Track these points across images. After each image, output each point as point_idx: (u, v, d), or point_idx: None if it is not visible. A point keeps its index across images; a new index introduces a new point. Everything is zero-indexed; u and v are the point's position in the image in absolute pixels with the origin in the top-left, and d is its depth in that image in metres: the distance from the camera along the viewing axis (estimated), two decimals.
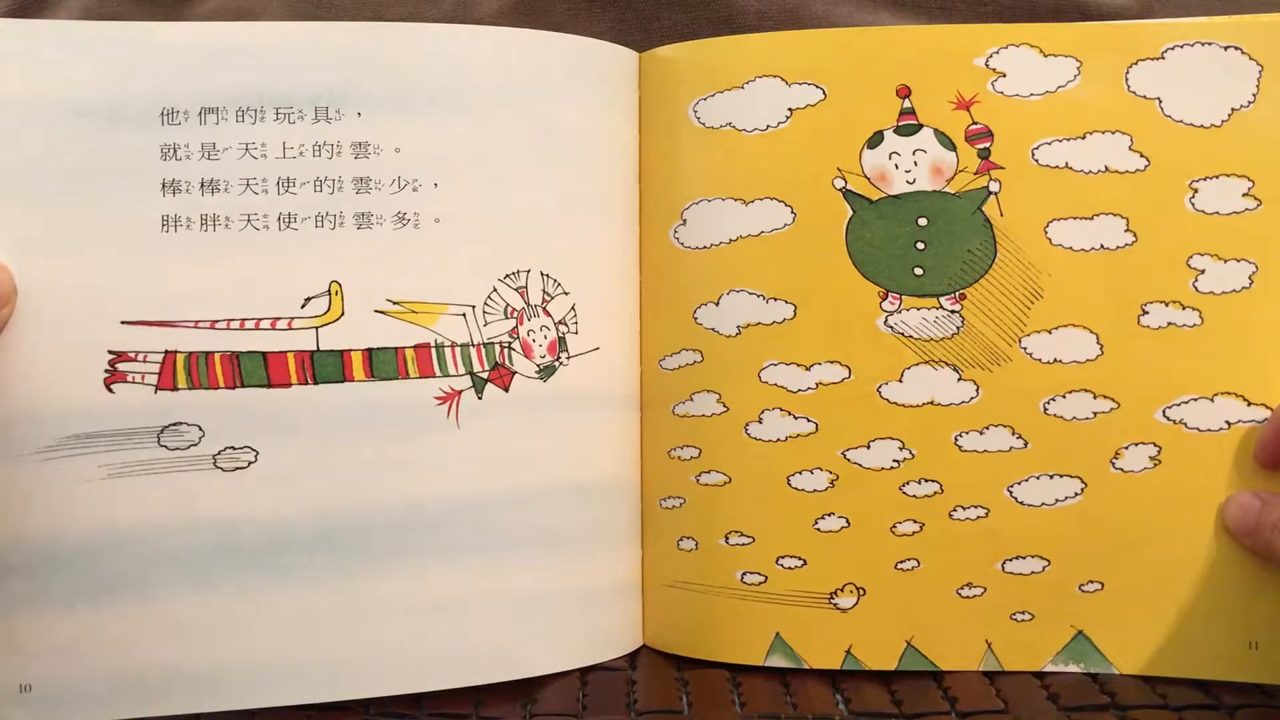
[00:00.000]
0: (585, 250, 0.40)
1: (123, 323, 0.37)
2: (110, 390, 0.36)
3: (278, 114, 0.37)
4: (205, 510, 0.37)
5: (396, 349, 0.38)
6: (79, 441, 0.36)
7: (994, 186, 0.39)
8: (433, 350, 0.38)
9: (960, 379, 0.39)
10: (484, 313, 0.39)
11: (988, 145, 0.39)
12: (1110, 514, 0.39)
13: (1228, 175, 0.38)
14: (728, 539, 0.40)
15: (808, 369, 0.40)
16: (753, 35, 0.41)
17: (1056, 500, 0.39)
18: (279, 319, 0.37)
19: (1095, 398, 0.39)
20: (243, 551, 0.37)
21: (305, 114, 0.37)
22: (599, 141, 0.41)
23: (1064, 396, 0.39)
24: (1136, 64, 0.39)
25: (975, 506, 0.39)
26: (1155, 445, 0.39)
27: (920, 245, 0.39)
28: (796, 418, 0.40)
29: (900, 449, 0.40)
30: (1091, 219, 0.39)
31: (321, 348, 0.37)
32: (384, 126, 0.38)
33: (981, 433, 0.39)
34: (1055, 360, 0.39)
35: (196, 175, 0.37)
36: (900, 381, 0.40)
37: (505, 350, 0.39)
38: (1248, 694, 0.38)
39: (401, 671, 0.37)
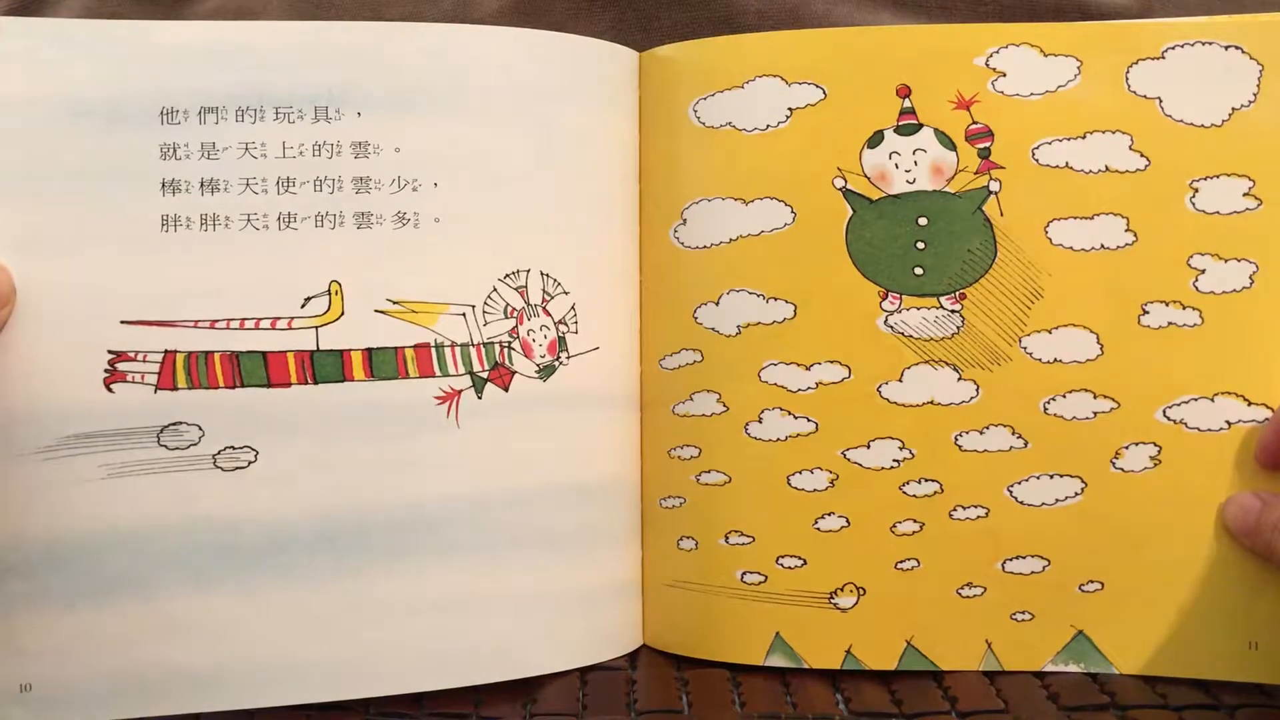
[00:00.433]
0: (585, 250, 0.40)
1: (122, 322, 0.37)
2: (110, 390, 0.36)
3: (277, 114, 0.37)
4: (205, 510, 0.37)
5: (396, 349, 0.38)
6: (79, 441, 0.36)
7: (994, 186, 0.39)
8: (432, 350, 0.38)
9: (960, 379, 0.39)
10: (484, 312, 0.39)
11: (988, 145, 0.39)
12: (1110, 514, 0.39)
13: (1228, 175, 0.38)
14: (728, 539, 0.40)
15: (808, 369, 0.40)
16: (753, 35, 0.41)
17: (1056, 500, 0.39)
18: (279, 319, 0.37)
19: (1095, 397, 0.39)
20: (243, 551, 0.37)
21: (305, 114, 0.37)
22: (599, 141, 0.40)
23: (1064, 396, 0.39)
24: (1137, 64, 0.38)
25: (975, 506, 0.39)
26: (1155, 445, 0.39)
27: (920, 245, 0.39)
28: (796, 417, 0.40)
29: (900, 449, 0.40)
30: (1092, 219, 0.39)
31: (321, 347, 0.37)
32: (384, 126, 0.38)
33: (981, 432, 0.39)
34: (1055, 360, 0.39)
35: (196, 175, 0.37)
36: (900, 381, 0.40)
37: (505, 350, 0.39)
38: (1248, 694, 0.38)
39: (401, 671, 0.37)
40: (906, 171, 0.39)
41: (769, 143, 0.40)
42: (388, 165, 0.38)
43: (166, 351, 0.37)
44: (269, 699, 0.37)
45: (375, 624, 0.37)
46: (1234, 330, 0.38)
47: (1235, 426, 0.38)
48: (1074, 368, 0.39)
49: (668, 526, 0.41)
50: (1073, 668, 0.39)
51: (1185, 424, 0.39)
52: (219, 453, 0.37)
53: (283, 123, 0.37)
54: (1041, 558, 0.39)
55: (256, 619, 0.37)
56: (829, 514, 0.40)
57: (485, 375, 0.38)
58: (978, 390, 0.39)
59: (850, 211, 0.40)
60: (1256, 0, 0.43)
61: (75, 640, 0.36)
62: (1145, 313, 0.39)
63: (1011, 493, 0.39)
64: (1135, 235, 0.39)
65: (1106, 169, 0.39)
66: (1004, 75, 0.39)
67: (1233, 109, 0.38)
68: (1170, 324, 0.38)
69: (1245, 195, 0.38)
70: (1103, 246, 0.39)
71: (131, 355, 0.37)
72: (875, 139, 0.39)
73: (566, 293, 0.40)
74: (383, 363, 0.38)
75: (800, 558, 0.40)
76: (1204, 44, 0.38)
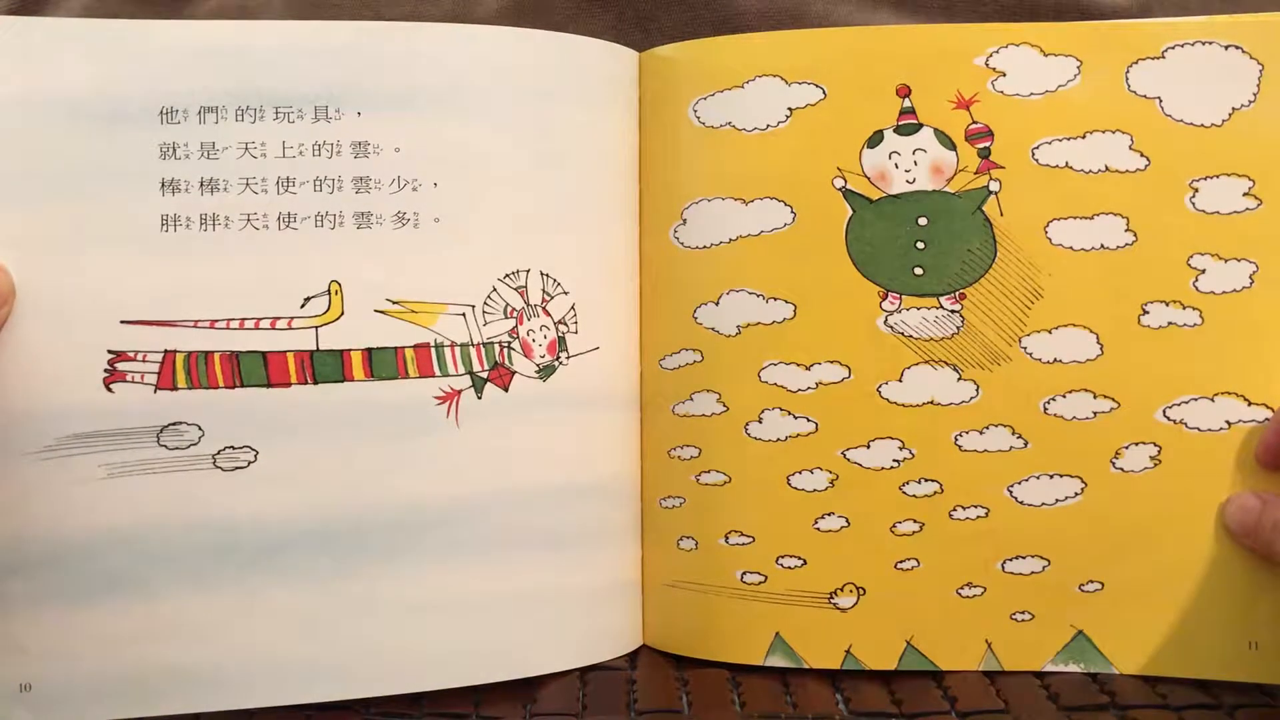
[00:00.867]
0: (585, 250, 0.40)
1: (122, 322, 0.37)
2: (110, 390, 0.36)
3: (277, 113, 0.37)
4: (205, 510, 0.37)
5: (396, 349, 0.38)
6: (79, 441, 0.36)
7: (994, 186, 0.39)
8: (432, 350, 0.38)
9: (960, 379, 0.39)
10: (483, 312, 0.39)
11: (988, 145, 0.39)
12: (1110, 514, 0.39)
13: (1228, 175, 0.38)
14: (728, 539, 0.40)
15: (808, 369, 0.40)
16: (753, 35, 0.41)
17: (1056, 500, 0.39)
18: (279, 319, 0.37)
19: (1095, 397, 0.39)
20: (243, 551, 0.37)
21: (305, 113, 0.37)
22: (599, 142, 0.40)
23: (1064, 396, 0.39)
24: (1137, 63, 0.38)
25: (975, 506, 0.39)
26: (1155, 445, 0.39)
27: (920, 245, 0.39)
28: (796, 417, 0.40)
29: (900, 449, 0.40)
30: (1091, 218, 0.39)
31: (321, 347, 0.37)
32: (384, 126, 0.38)
33: (981, 432, 0.39)
34: (1055, 360, 0.39)
35: (196, 175, 0.37)
36: (900, 381, 0.39)
37: (505, 350, 0.39)
38: (1248, 694, 0.38)
39: (401, 671, 0.37)
40: (906, 171, 0.39)
41: (769, 143, 0.40)
42: (387, 165, 0.38)
43: (166, 351, 0.37)
44: (269, 699, 0.37)
45: (375, 624, 0.37)
46: (1234, 330, 0.38)
47: (1235, 426, 0.38)
48: (1074, 368, 0.39)
49: (668, 526, 0.41)
50: (1073, 668, 0.39)
51: (1185, 424, 0.39)
52: (219, 453, 0.37)
53: (282, 122, 0.37)
54: (1041, 558, 0.39)
55: (256, 619, 0.37)
56: (829, 514, 0.40)
57: (485, 375, 0.38)
58: (978, 390, 0.39)
59: (850, 211, 0.40)
60: (1256, 0, 0.43)
61: (75, 640, 0.36)
62: (1145, 313, 0.39)
63: (1011, 493, 0.39)
64: (1135, 235, 0.39)
65: (1106, 169, 0.39)
66: (1004, 75, 0.39)
67: (1233, 109, 0.38)
68: (1170, 324, 0.38)
69: (1245, 195, 0.38)
70: (1103, 246, 0.39)
71: (131, 355, 0.37)
72: (875, 139, 0.39)
73: (566, 293, 0.40)
74: (382, 363, 0.38)
75: (800, 558, 0.40)
76: (1204, 44, 0.38)
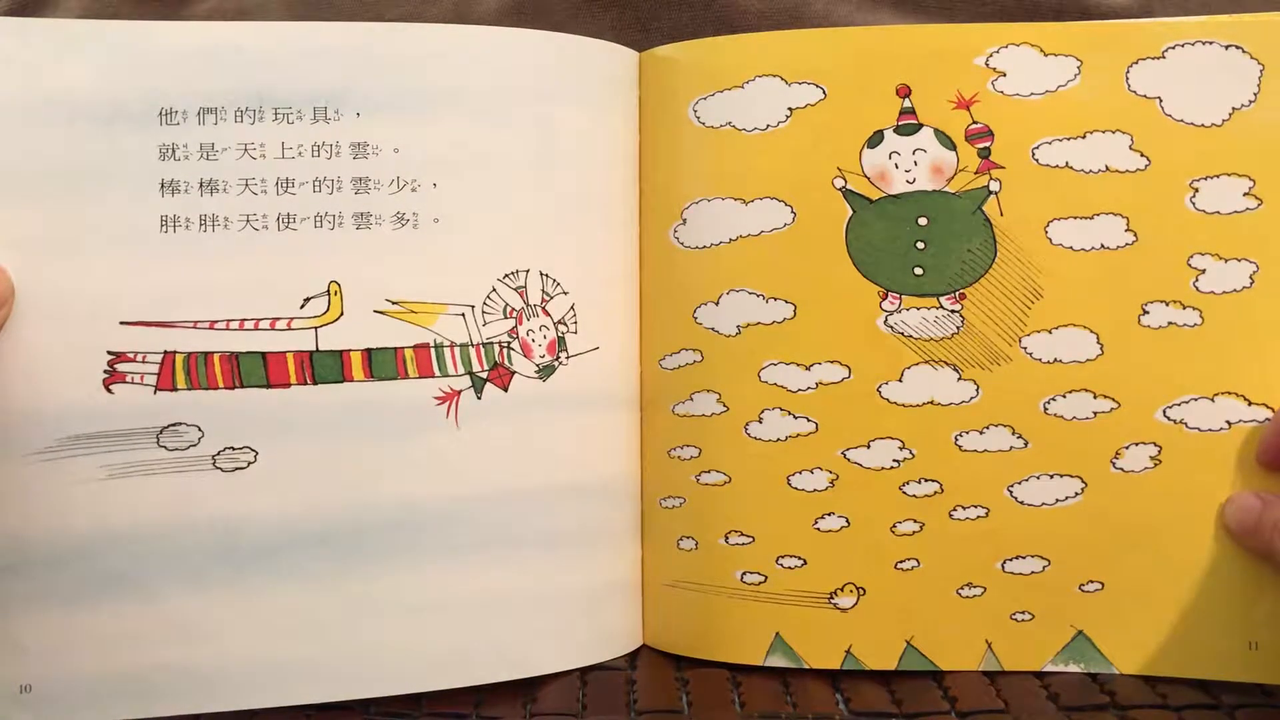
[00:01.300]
0: (585, 250, 0.40)
1: (122, 323, 0.37)
2: (109, 391, 0.36)
3: (277, 114, 0.37)
4: (205, 511, 0.37)
5: (396, 349, 0.38)
6: (79, 442, 0.36)
7: (994, 186, 0.39)
8: (432, 350, 0.38)
9: (960, 379, 0.39)
10: (483, 313, 0.39)
11: (988, 145, 0.39)
12: (1110, 514, 0.39)
13: (1228, 175, 0.38)
14: (727, 539, 0.40)
15: (808, 369, 0.40)
16: (753, 35, 0.41)
17: (1056, 500, 0.39)
18: (278, 319, 0.37)
19: (1095, 397, 0.39)
20: (242, 552, 0.37)
21: (304, 114, 0.37)
22: (599, 141, 0.40)
23: (1064, 396, 0.39)
24: (1137, 63, 0.38)
25: (975, 506, 0.39)
26: (1156, 445, 0.39)
27: (920, 245, 0.39)
28: (796, 417, 0.40)
29: (900, 449, 0.40)
30: (1092, 218, 0.39)
31: (321, 348, 0.37)
32: (383, 127, 0.38)
33: (981, 432, 0.39)
34: (1055, 360, 0.39)
35: (195, 175, 0.37)
36: (900, 381, 0.39)
37: (504, 350, 0.39)
38: (1248, 694, 0.38)
39: (401, 671, 0.37)
40: (906, 171, 0.39)
41: (769, 143, 0.40)
42: (387, 166, 0.38)
43: (166, 352, 0.37)
44: (269, 699, 0.37)
45: (375, 624, 0.37)
46: (1234, 330, 0.38)
47: (1236, 426, 0.38)
48: (1074, 368, 0.39)
49: (668, 526, 0.41)
50: (1073, 668, 0.39)
51: (1185, 424, 0.39)
52: (218, 453, 0.37)
53: (282, 123, 0.37)
54: (1041, 558, 0.39)
55: (256, 619, 0.37)
56: (829, 514, 0.40)
57: (485, 375, 0.38)
58: (978, 390, 0.39)
59: (850, 211, 0.40)
60: (1256, 0, 0.43)
61: (75, 640, 0.36)
62: (1145, 313, 0.39)
63: (1011, 493, 0.39)
64: (1135, 235, 0.39)
65: (1106, 169, 0.39)
66: (1004, 75, 0.39)
67: (1233, 109, 0.38)
68: (1170, 324, 0.38)
69: (1245, 195, 0.38)
70: (1103, 246, 0.39)
71: (131, 356, 0.37)
72: (875, 139, 0.39)
73: (566, 293, 0.40)
74: (382, 363, 0.38)
75: (800, 558, 0.40)
76: (1204, 44, 0.38)
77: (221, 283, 0.37)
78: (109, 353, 0.36)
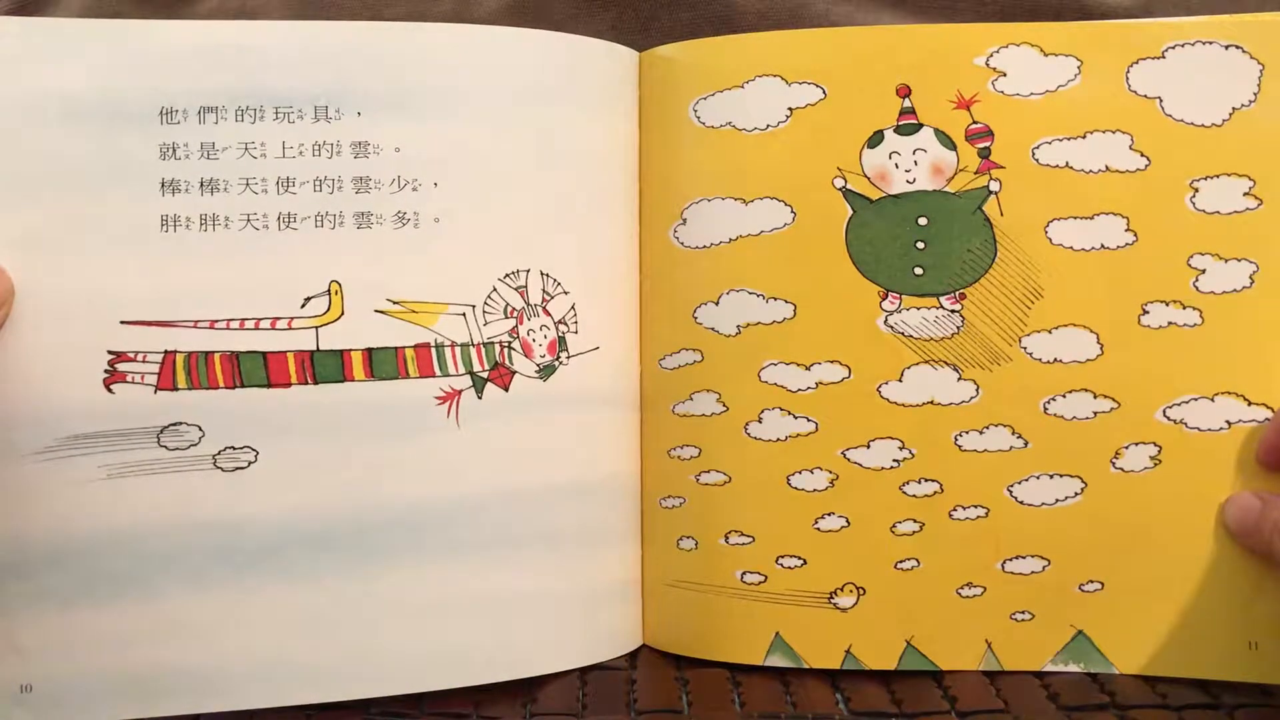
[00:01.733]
0: (585, 250, 0.40)
1: (122, 323, 0.36)
2: (110, 390, 0.36)
3: (277, 113, 0.37)
4: (205, 511, 0.37)
5: (396, 349, 0.38)
6: (79, 442, 0.36)
7: (994, 186, 0.39)
8: (432, 350, 0.38)
9: (960, 379, 0.39)
10: (484, 312, 0.39)
11: (988, 144, 0.39)
12: (1110, 514, 0.39)
13: (1228, 175, 0.38)
14: (728, 539, 0.40)
15: (808, 369, 0.40)
16: (753, 35, 0.41)
17: (1056, 500, 0.39)
18: (279, 319, 0.37)
19: (1095, 397, 0.39)
20: (243, 551, 0.37)
21: (305, 113, 0.37)
22: (599, 141, 0.40)
23: (1064, 396, 0.39)
24: (1137, 63, 0.38)
25: (975, 506, 0.39)
26: (1156, 445, 0.39)
27: (920, 245, 0.39)
28: (796, 417, 0.40)
29: (900, 449, 0.40)
30: (1092, 218, 0.39)
31: (321, 347, 0.37)
32: (384, 126, 0.38)
33: (981, 432, 0.39)
34: (1055, 360, 0.39)
35: (196, 175, 0.37)
36: (900, 381, 0.39)
37: (505, 350, 0.39)
38: (1248, 694, 0.38)
39: (401, 671, 0.37)
40: (906, 171, 0.39)
41: (769, 143, 0.40)
42: (388, 165, 0.38)
43: (166, 352, 0.37)
44: (269, 699, 0.37)
45: (375, 624, 0.37)
46: (1234, 330, 0.38)
47: (1236, 426, 0.38)
48: (1074, 368, 0.39)
49: (668, 526, 0.41)
50: (1073, 668, 0.39)
51: (1185, 424, 0.39)
52: (219, 453, 0.37)
53: (282, 123, 0.37)
54: (1041, 558, 0.39)
55: (256, 619, 0.37)
56: (829, 514, 0.40)
57: (485, 375, 0.38)
58: (978, 390, 0.39)
59: (850, 211, 0.40)
60: (1256, 0, 0.43)
61: (75, 641, 0.36)
62: (1145, 312, 0.39)
63: (1011, 493, 0.39)
64: (1135, 235, 0.39)
65: (1106, 169, 0.39)
66: (1004, 75, 0.39)
67: (1233, 109, 0.38)
68: (1170, 324, 0.38)
69: (1245, 195, 0.38)
70: (1103, 246, 0.39)
71: (131, 355, 0.37)
72: (875, 139, 0.39)
73: (566, 293, 0.40)
74: (383, 363, 0.38)
75: (800, 558, 0.40)
76: (1204, 44, 0.38)
77: (222, 282, 0.37)
78: (109, 352, 0.36)
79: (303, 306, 0.37)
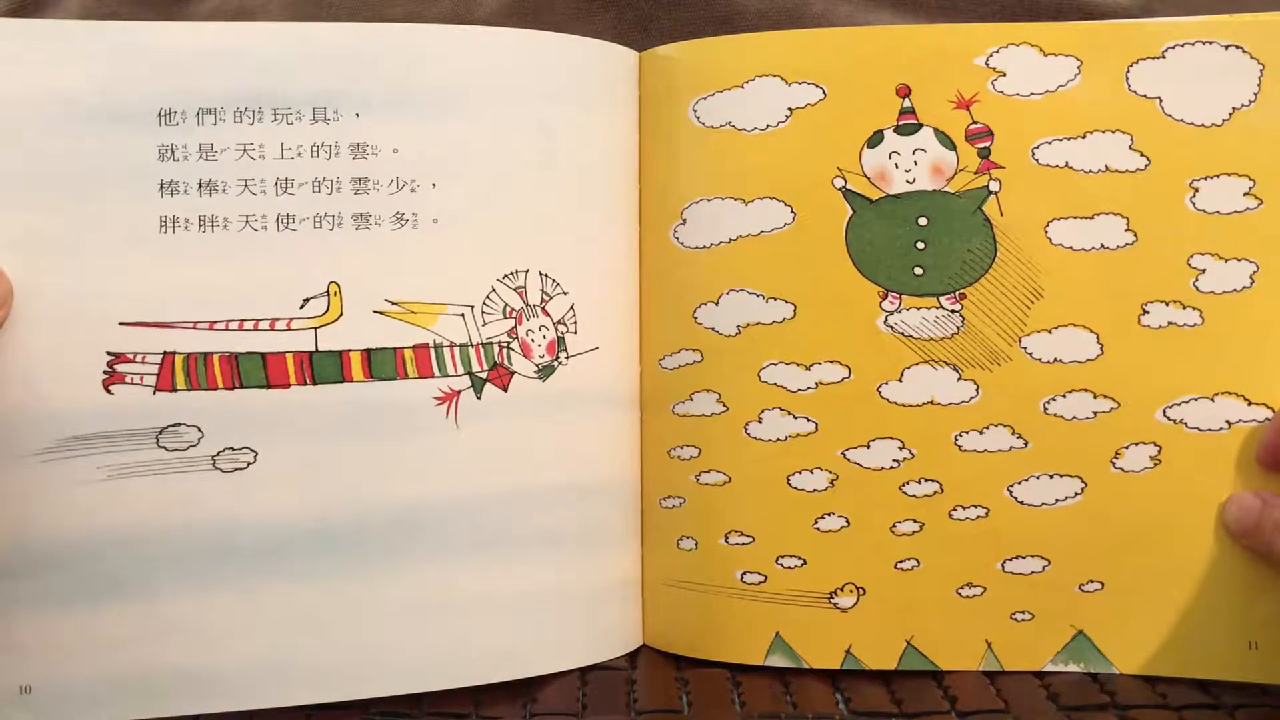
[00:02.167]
0: (584, 250, 0.40)
1: (121, 324, 0.37)
2: (109, 391, 0.36)
3: (276, 115, 0.37)
4: (205, 511, 0.37)
5: (395, 349, 0.38)
6: (78, 443, 0.36)
7: (994, 186, 0.39)
8: (431, 350, 0.38)
9: (960, 379, 0.39)
10: (483, 313, 0.39)
11: (988, 144, 0.39)
12: (1110, 514, 0.39)
13: (1228, 175, 0.38)
14: (727, 539, 0.40)
15: (808, 369, 0.40)
16: (752, 35, 0.41)
17: (1056, 500, 0.39)
18: (278, 320, 0.37)
19: (1095, 397, 0.39)
20: (243, 552, 0.37)
21: (303, 115, 0.37)
22: (599, 141, 0.40)
23: (1064, 396, 0.39)
24: (1137, 63, 0.38)
25: (975, 506, 0.39)
26: (1155, 445, 0.39)
27: (920, 245, 0.39)
28: (796, 417, 0.40)
29: (900, 449, 0.40)
30: (1092, 218, 0.39)
31: (320, 348, 0.37)
32: (382, 127, 0.38)
33: (981, 432, 0.39)
34: (1055, 360, 0.39)
35: (194, 176, 0.37)
36: (900, 381, 0.39)
37: (504, 350, 0.39)
38: (1248, 694, 0.38)
39: (401, 671, 0.37)
40: (906, 171, 0.39)
41: (769, 143, 0.40)
42: (386, 166, 0.38)
43: (165, 353, 0.37)
44: (269, 699, 0.37)
45: (375, 624, 0.37)
46: (1234, 330, 0.38)
47: (1235, 426, 0.38)
48: (1074, 368, 0.39)
49: (668, 526, 0.41)
50: (1073, 668, 0.39)
51: (1185, 424, 0.38)
52: (218, 454, 0.37)
53: (281, 124, 0.37)
54: (1041, 558, 0.39)
55: (256, 619, 0.37)
56: (829, 514, 0.40)
57: (484, 376, 0.38)
58: (978, 390, 0.39)
59: (850, 211, 0.40)
60: (1256, 0, 0.43)
61: (75, 641, 0.36)
62: (1145, 312, 0.39)
63: (1011, 493, 0.39)
64: (1135, 235, 0.39)
65: (1106, 169, 0.39)
66: (1004, 75, 0.39)
67: (1233, 109, 0.38)
68: (1170, 324, 0.38)
69: (1245, 195, 0.38)
70: (1103, 246, 0.39)
71: (130, 356, 0.37)
72: (875, 139, 0.39)
73: (565, 293, 0.40)
74: (382, 363, 0.38)
75: (800, 558, 0.40)
76: (1204, 43, 0.38)
77: (221, 283, 0.37)
78: (108, 353, 0.36)
79: (302, 307, 0.37)
